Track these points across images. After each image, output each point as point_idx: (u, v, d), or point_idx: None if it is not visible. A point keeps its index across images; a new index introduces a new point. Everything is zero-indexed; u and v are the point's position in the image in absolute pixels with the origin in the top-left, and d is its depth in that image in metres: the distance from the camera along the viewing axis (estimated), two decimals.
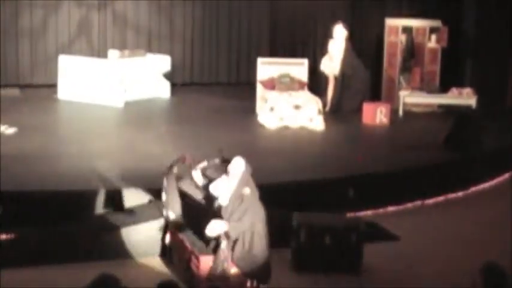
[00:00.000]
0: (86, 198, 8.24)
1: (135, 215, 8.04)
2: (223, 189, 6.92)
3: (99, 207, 8.17)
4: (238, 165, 6.84)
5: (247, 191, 6.73)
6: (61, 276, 7.03)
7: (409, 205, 9.55)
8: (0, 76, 14.38)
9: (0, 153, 9.56)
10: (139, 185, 8.57)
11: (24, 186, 8.37)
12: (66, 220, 7.94)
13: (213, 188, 7.11)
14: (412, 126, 12.66)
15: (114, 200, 8.25)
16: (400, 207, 9.47)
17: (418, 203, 9.64)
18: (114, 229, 7.75)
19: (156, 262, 7.50)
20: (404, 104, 13.43)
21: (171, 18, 15.54)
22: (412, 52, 14.10)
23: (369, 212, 9.12)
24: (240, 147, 10.59)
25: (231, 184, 6.83)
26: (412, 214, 9.37)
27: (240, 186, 6.74)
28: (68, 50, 14.74)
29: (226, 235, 6.59)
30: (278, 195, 8.73)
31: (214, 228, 6.68)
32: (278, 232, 7.79)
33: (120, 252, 7.62)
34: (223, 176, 7.02)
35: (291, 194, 8.81)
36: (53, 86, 13.96)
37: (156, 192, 8.36)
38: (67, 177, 8.83)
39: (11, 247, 7.54)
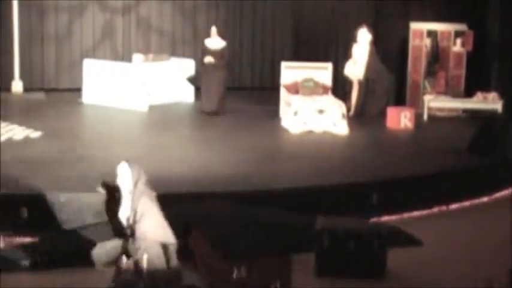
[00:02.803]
0: None
1: None
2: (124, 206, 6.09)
3: None
4: (123, 171, 6.06)
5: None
6: (85, 279, 7.05)
7: (434, 210, 9.48)
8: (25, 80, 14.53)
9: (26, 157, 9.66)
10: (162, 189, 8.59)
11: (49, 189, 8.41)
12: (89, 223, 7.98)
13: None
14: (436, 130, 12.58)
15: None
16: (425, 212, 9.40)
17: (443, 208, 9.57)
18: None
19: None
20: (429, 109, 13.35)
21: (195, 22, 15.57)
22: (437, 56, 14.02)
23: (393, 217, 9.07)
24: (263, 152, 10.64)
25: (126, 196, 6.03)
26: (437, 219, 9.30)
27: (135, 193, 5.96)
28: (93, 54, 14.85)
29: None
30: (301, 200, 8.73)
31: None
32: (301, 237, 7.80)
33: None
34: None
35: (314, 199, 8.79)
36: (77, 90, 14.06)
37: (178, 196, 8.39)
38: (91, 180, 8.87)
39: (36, 249, 7.59)
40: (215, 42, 13.08)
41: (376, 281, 7.35)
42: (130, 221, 5.89)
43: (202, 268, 7.25)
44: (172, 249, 6.00)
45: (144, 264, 5.83)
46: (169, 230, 6.01)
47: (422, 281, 7.41)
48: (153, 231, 5.90)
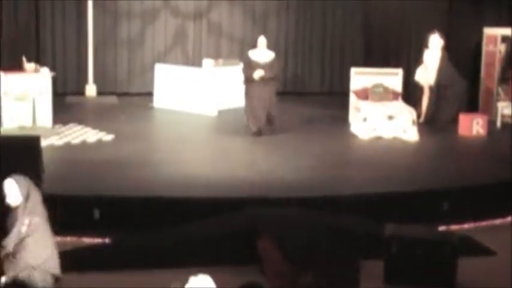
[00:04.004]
0: (180, 204, 8.36)
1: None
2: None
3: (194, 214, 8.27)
4: (11, 188, 5.59)
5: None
6: (151, 281, 7.13)
7: (507, 219, 9.26)
8: (99, 84, 14.85)
9: (98, 160, 9.86)
10: (230, 193, 8.64)
11: (121, 191, 8.56)
12: (160, 226, 8.08)
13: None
14: (509, 138, 12.29)
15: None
16: (498, 221, 9.19)
17: None
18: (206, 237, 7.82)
19: (246, 270, 7.51)
20: (503, 116, 13.09)
21: (265, 28, 15.65)
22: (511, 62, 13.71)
23: (465, 226, 8.90)
24: (332, 157, 10.60)
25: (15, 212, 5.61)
26: (510, 229, 9.06)
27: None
28: (164, 59, 15.07)
29: None
30: (370, 206, 8.65)
31: None
32: (370, 243, 7.72)
33: (211, 258, 7.67)
34: None
35: (383, 205, 8.70)
36: (148, 95, 14.29)
37: (246, 201, 8.41)
38: (162, 183, 8.99)
39: (106, 251, 7.73)
40: (264, 54, 11.74)
41: None
42: (14, 239, 5.52)
43: (269, 272, 7.26)
44: (49, 278, 5.55)
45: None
46: (52, 256, 5.63)
47: None
48: (31, 254, 5.52)
